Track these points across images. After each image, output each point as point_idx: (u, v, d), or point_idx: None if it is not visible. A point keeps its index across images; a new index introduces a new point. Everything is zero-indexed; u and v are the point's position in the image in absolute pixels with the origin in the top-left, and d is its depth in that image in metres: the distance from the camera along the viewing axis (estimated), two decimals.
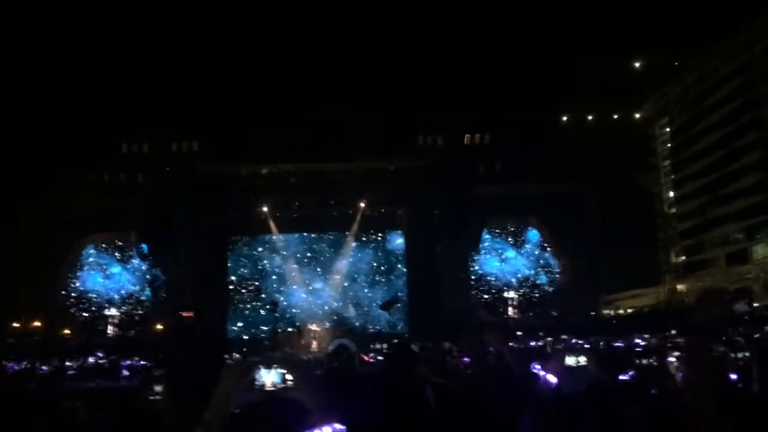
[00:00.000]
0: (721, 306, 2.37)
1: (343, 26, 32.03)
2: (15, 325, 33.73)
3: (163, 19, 31.39)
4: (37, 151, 32.09)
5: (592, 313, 34.43)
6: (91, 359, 22.72)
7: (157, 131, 34.46)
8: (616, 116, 37.02)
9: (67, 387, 13.98)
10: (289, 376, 2.60)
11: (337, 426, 2.51)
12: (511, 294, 38.90)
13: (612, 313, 35.71)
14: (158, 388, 5.25)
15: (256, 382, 2.63)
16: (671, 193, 36.61)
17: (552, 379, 4.00)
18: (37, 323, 34.53)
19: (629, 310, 35.26)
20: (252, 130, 33.32)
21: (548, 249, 39.94)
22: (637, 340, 19.20)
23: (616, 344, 17.09)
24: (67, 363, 20.79)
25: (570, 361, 4.12)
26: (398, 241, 40.17)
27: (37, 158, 32.49)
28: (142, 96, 32.04)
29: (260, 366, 2.65)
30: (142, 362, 19.39)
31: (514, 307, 38.44)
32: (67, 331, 34.81)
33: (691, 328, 2.35)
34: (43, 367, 19.67)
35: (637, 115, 37.44)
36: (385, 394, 4.32)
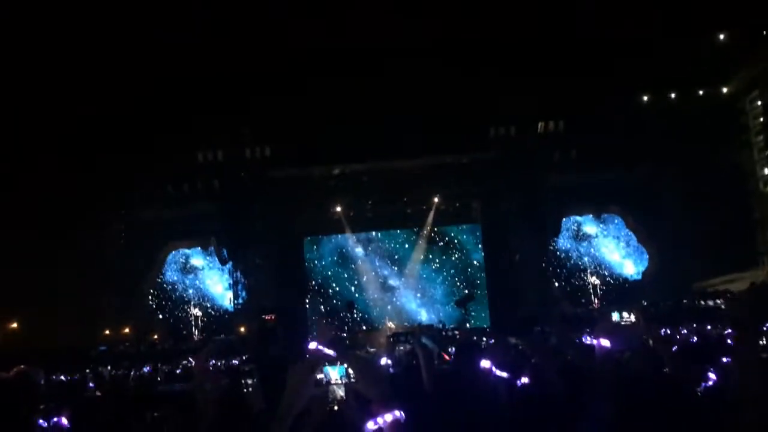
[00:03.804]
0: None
1: (411, 25, 31.59)
2: (107, 332, 35.11)
3: (232, 27, 31.89)
4: (120, 166, 33.32)
5: (685, 301, 32.66)
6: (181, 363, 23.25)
7: (230, 139, 35.15)
8: (700, 92, 34.97)
9: (159, 390, 14.25)
10: (351, 371, 2.79)
11: (397, 413, 2.64)
12: (596, 281, 37.57)
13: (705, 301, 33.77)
14: (249, 382, 5.40)
15: (323, 377, 2.82)
16: (766, 170, 34.25)
17: (605, 342, 3.77)
18: (126, 330, 35.87)
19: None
20: (322, 133, 33.43)
21: (633, 236, 38.35)
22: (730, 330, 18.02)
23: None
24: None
25: (615, 317, 3.96)
26: (474, 234, 39.51)
27: (119, 173, 33.78)
28: (213, 105, 32.65)
29: (326, 362, 2.83)
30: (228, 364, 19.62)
31: (599, 297, 37.08)
32: (155, 336, 35.96)
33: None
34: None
35: (724, 90, 35.20)
36: (449, 387, 4.22)
